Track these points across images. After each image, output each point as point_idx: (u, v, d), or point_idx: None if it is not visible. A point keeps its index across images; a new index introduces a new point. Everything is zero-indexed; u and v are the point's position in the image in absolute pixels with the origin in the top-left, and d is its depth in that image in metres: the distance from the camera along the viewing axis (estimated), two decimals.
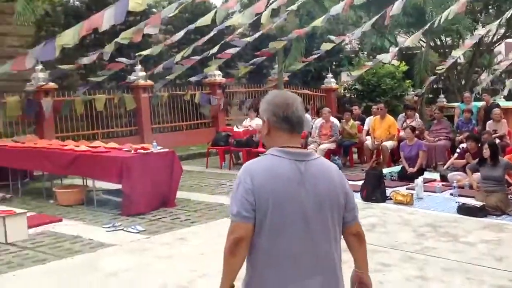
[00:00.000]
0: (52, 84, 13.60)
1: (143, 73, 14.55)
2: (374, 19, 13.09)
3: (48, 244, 6.60)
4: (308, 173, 2.44)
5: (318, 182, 2.46)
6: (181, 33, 11.71)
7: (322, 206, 2.45)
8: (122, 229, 7.18)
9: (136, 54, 12.20)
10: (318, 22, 12.05)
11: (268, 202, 2.36)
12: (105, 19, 9.14)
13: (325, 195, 2.46)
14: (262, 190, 2.36)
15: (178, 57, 12.54)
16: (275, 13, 12.75)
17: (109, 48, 10.27)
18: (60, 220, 7.74)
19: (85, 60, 11.17)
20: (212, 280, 5.01)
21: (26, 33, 16.94)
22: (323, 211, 2.45)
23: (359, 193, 8.31)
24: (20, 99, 13.23)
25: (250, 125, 12.67)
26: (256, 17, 11.53)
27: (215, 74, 16.44)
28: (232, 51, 12.74)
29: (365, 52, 22.25)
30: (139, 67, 14.34)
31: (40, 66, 13.41)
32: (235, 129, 12.71)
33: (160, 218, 7.78)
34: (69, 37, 9.61)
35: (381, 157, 11.32)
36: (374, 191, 8.30)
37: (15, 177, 10.12)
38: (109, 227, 7.28)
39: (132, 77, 14.75)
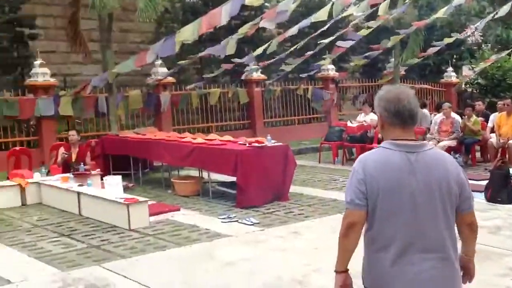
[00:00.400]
0: (170, 79, 14.13)
1: (256, 67, 14.71)
2: (504, 12, 12.23)
3: (168, 232, 6.83)
4: (420, 163, 2.54)
5: (430, 172, 2.54)
6: (295, 29, 11.66)
7: (433, 195, 2.53)
8: (237, 221, 7.28)
9: (254, 54, 12.29)
10: (440, 13, 11.49)
11: (378, 191, 2.51)
12: (223, 14, 9.30)
13: (437, 184, 2.54)
14: (373, 180, 2.52)
15: (291, 51, 12.54)
16: (392, 4, 12.33)
17: (230, 50, 10.41)
18: (178, 210, 7.97)
19: (200, 54, 11.40)
20: (326, 275, 4.92)
21: (147, 29, 17.78)
22: (434, 200, 2.53)
23: (482, 193, 7.84)
24: (141, 93, 13.87)
25: (364, 120, 12.40)
26: (372, 9, 11.23)
27: (328, 68, 16.29)
28: (346, 44, 12.51)
29: (489, 45, 20.99)
30: (253, 61, 14.48)
31: (159, 61, 13.99)
32: (349, 124, 12.49)
33: (274, 212, 7.79)
34: (188, 33, 9.91)
35: (507, 156, 10.60)
36: (500, 191, 7.78)
37: (136, 167, 10.61)
38: (224, 218, 7.41)
39: (245, 72, 14.96)
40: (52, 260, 5.81)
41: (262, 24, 10.10)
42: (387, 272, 2.54)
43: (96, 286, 4.97)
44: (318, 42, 11.87)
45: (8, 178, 9.64)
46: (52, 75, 12.99)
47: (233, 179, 8.53)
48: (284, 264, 5.48)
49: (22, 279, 5.20)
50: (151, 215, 7.36)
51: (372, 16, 12.50)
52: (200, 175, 9.70)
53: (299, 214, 7.61)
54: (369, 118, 12.27)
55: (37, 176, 9.29)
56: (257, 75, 15.41)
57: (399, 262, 2.52)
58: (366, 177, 2.53)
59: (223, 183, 9.43)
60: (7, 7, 14.31)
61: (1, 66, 14.36)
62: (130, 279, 5.10)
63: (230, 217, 7.44)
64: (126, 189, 8.80)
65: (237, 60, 11.96)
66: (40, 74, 12.54)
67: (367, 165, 2.56)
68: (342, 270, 2.65)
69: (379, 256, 2.56)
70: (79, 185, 8.38)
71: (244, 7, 10.72)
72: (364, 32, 12.00)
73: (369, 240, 2.60)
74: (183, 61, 12.47)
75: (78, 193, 8.08)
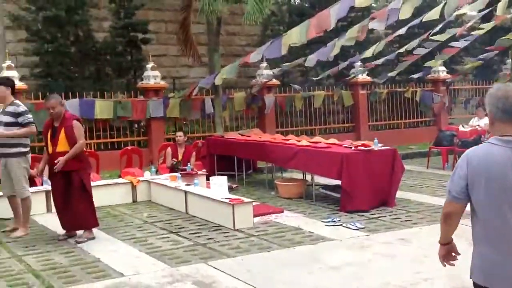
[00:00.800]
0: (274, 81, 14.21)
1: (362, 69, 14.43)
2: None
3: (272, 233, 6.83)
4: None
5: None
6: (404, 29, 11.29)
7: None
8: (341, 225, 7.15)
9: (361, 57, 12.06)
10: None
11: (480, 185, 2.65)
12: (332, 16, 9.18)
13: None
14: (474, 175, 2.67)
15: (399, 52, 12.18)
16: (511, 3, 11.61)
17: (336, 52, 10.30)
18: (282, 212, 7.96)
19: (309, 62, 11.31)
20: (438, 285, 4.72)
21: (253, 32, 18.04)
22: None
23: None
24: (246, 94, 14.07)
25: (478, 125, 11.79)
26: (489, 9, 10.64)
27: (439, 70, 15.68)
28: (459, 45, 11.95)
29: None
30: (358, 63, 14.26)
31: (264, 64, 14.12)
32: (460, 128, 11.94)
33: (379, 217, 7.58)
34: (296, 35, 9.90)
35: None
36: None
37: (240, 168, 10.74)
38: (328, 222, 7.30)
39: (351, 74, 14.73)
40: (161, 255, 5.99)
41: (371, 25, 9.86)
42: (489, 265, 2.69)
43: (204, 283, 5.05)
44: (430, 39, 11.39)
45: (120, 176, 10.10)
46: (162, 78, 13.49)
47: (337, 182, 8.40)
48: (391, 270, 5.30)
49: (134, 273, 5.40)
50: (255, 216, 7.41)
51: (488, 14, 11.84)
52: (304, 178, 9.65)
53: (406, 221, 7.35)
54: (483, 122, 11.65)
55: (147, 175, 9.65)
56: (362, 77, 15.13)
57: (501, 258, 2.65)
58: (468, 173, 2.69)
59: (326, 186, 9.33)
60: (122, 13, 15.08)
61: (116, 70, 15.13)
62: (235, 278, 5.15)
63: (334, 221, 7.32)
64: (230, 189, 8.92)
65: (341, 66, 11.81)
66: (152, 77, 13.07)
67: (470, 160, 2.70)
68: (445, 243, 2.94)
69: (482, 249, 2.72)
70: (186, 185, 8.58)
71: (351, 8, 10.54)
72: (479, 32, 11.39)
73: (474, 232, 2.77)
74: (288, 64, 12.49)
75: (185, 192, 8.29)
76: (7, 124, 6.94)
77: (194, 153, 10.92)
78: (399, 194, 8.59)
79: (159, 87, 13.20)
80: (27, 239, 6.87)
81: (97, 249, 6.30)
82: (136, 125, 13.82)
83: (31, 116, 7.15)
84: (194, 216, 7.90)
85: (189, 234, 6.97)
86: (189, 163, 10.01)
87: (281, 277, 5.18)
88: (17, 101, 7.16)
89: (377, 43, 11.38)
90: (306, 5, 17.80)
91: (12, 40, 15.03)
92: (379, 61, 12.53)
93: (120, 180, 9.60)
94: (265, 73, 14.08)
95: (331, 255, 5.87)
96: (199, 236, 6.82)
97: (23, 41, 14.73)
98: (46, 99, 7.03)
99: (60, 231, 6.99)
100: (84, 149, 7.05)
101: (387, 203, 8.17)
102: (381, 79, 14.19)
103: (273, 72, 13.76)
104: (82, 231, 6.79)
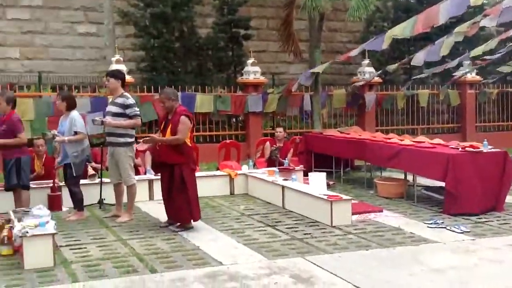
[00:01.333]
0: (376, 79, 13.90)
1: (471, 68, 13.77)
2: None
3: (370, 232, 6.65)
4: None
5: None
6: None
7: None
8: (445, 228, 6.83)
9: (471, 55, 11.48)
10: None
11: None
12: (441, 13, 8.78)
13: None
14: None
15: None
16: None
17: (445, 51, 9.88)
18: (381, 211, 7.74)
19: (416, 60, 10.89)
20: None
21: (355, 29, 17.77)
22: None
23: None
24: (346, 92, 13.88)
25: None
26: None
27: None
28: None
29: None
30: (467, 62, 13.61)
31: (366, 61, 13.85)
32: None
33: (486, 221, 7.18)
34: (399, 29, 9.63)
35: None
36: None
37: (338, 166, 10.58)
38: (430, 224, 7.01)
39: (458, 73, 14.10)
40: (259, 247, 6.00)
41: (483, 22, 9.35)
42: None
43: (301, 277, 4.99)
44: None
45: (218, 169, 10.27)
46: (262, 74, 13.59)
47: (440, 183, 8.04)
48: (499, 276, 5.02)
49: (232, 263, 5.44)
50: (353, 213, 7.25)
51: None
52: (405, 178, 9.33)
53: None
54: None
55: (244, 168, 9.75)
56: (471, 76, 14.44)
57: None
58: None
59: (429, 188, 8.98)
60: (226, 9, 15.37)
61: (217, 65, 15.45)
62: (333, 274, 5.05)
63: (437, 223, 7.01)
64: (327, 186, 8.79)
65: (450, 64, 11.30)
66: (251, 72, 13.22)
67: None
68: None
69: None
70: (284, 179, 8.57)
71: None
72: None
73: None
74: (393, 67, 12.14)
75: (283, 187, 8.27)
76: (114, 115, 7.25)
77: (291, 149, 10.91)
78: (508, 199, 8.10)
79: (258, 83, 13.32)
80: (131, 225, 7.14)
81: (197, 238, 6.42)
82: (234, 119, 14.03)
83: (138, 109, 7.43)
84: (291, 211, 7.87)
85: (286, 228, 6.93)
86: (286, 159, 10.00)
87: (380, 276, 5.02)
88: (126, 94, 7.45)
89: (489, 41, 10.79)
90: (412, 1, 17.25)
91: (121, 35, 15.77)
92: (489, 57, 11.88)
93: (218, 173, 9.76)
94: (367, 71, 13.80)
95: (433, 257, 5.63)
96: (296, 231, 6.77)
97: (131, 36, 15.41)
98: (160, 93, 7.27)
99: (162, 218, 7.20)
100: (189, 144, 7.07)
101: (495, 208, 7.73)
102: (491, 78, 13.49)
103: (375, 71, 13.47)
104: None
